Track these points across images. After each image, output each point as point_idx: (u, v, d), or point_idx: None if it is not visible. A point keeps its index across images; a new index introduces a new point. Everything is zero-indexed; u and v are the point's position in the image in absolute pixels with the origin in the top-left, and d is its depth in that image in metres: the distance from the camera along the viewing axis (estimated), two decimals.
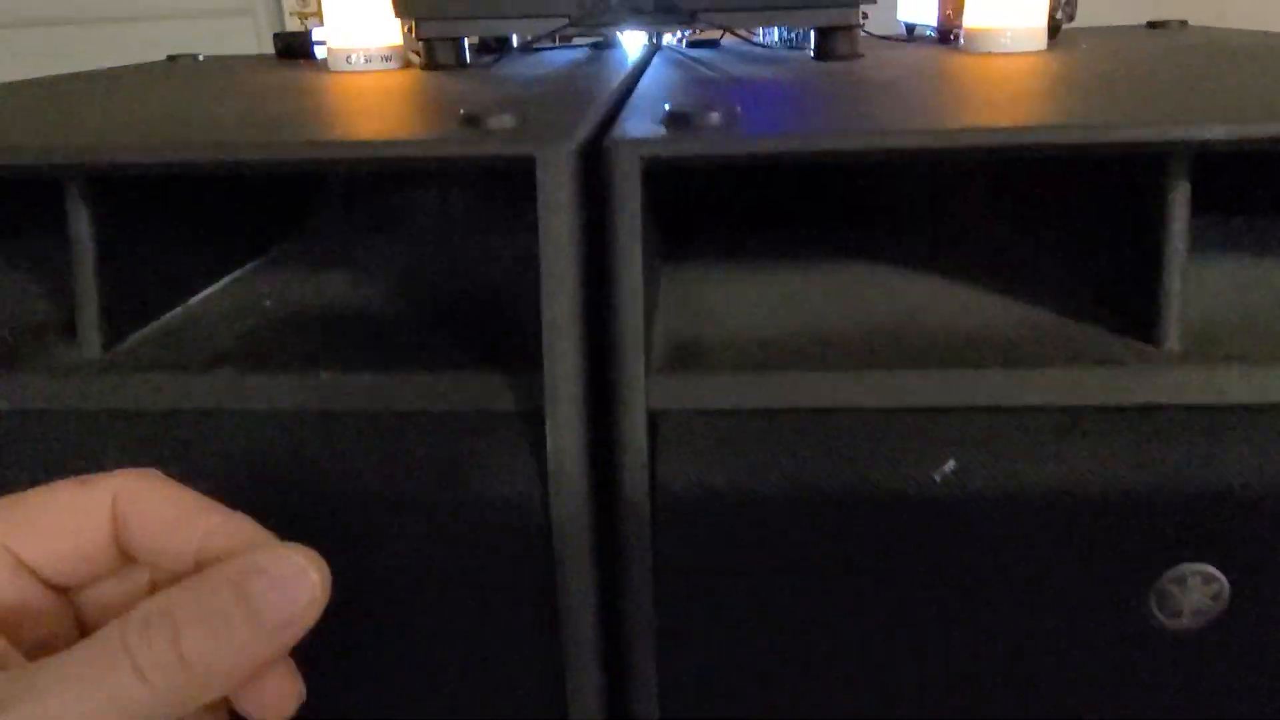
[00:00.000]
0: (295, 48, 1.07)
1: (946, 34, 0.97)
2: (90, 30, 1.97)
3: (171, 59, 1.13)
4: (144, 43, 2.01)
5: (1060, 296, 0.57)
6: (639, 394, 0.50)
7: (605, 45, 1.09)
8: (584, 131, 0.50)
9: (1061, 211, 0.60)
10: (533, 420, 0.51)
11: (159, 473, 0.31)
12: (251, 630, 0.25)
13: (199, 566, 0.27)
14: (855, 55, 0.85)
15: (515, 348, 0.54)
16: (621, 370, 0.50)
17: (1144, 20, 1.10)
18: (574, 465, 0.50)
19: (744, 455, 0.50)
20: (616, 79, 0.75)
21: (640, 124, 0.51)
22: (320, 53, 1.09)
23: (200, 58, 1.14)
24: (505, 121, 0.50)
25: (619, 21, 0.83)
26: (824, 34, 0.84)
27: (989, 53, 0.86)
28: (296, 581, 0.26)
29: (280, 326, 0.55)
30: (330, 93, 0.73)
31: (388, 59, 0.91)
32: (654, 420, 0.51)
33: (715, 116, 0.50)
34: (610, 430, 0.51)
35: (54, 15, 1.96)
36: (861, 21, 0.83)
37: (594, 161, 0.49)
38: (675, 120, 0.51)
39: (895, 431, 0.50)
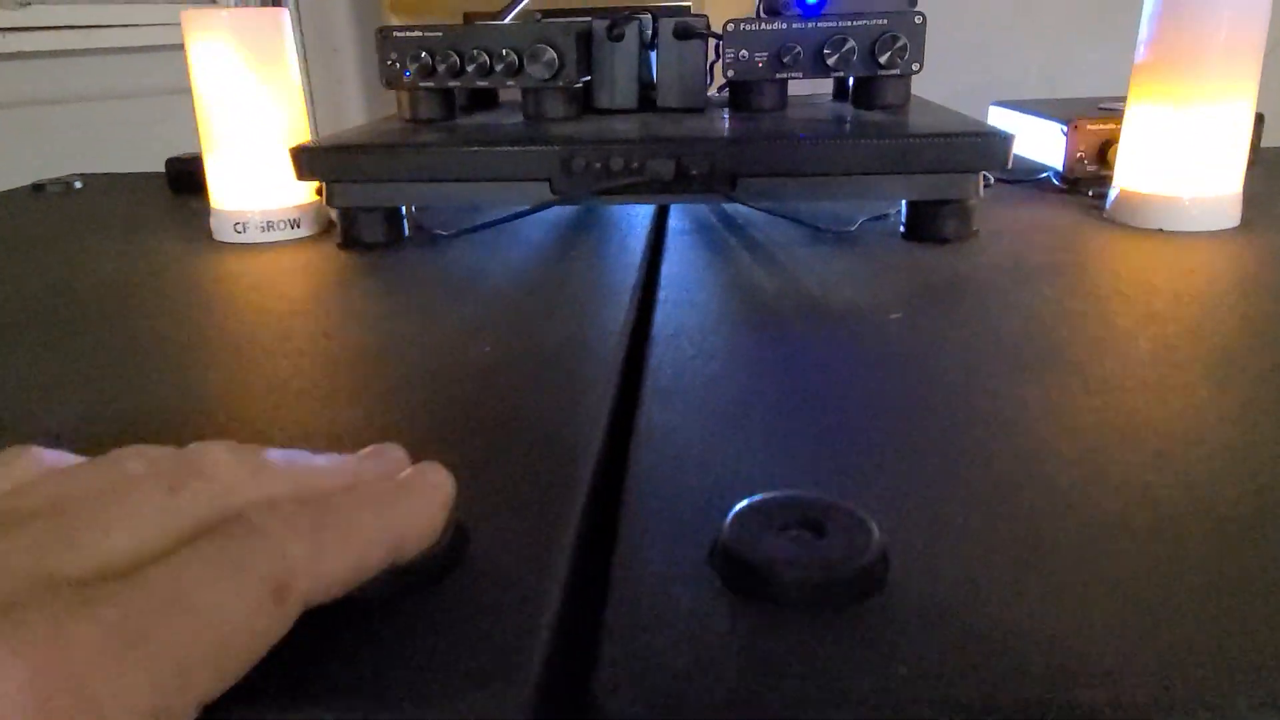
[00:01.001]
0: (187, 178, 0.81)
1: (1073, 183, 0.71)
2: (41, 111, 1.73)
3: (37, 188, 0.87)
4: (96, 120, 1.76)
5: None
6: None
7: None
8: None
9: None
10: None
11: None
12: None
13: None
14: (969, 235, 0.58)
15: None
16: None
17: None
18: None
19: None
20: (623, 298, 0.48)
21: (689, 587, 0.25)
22: None
23: (77, 184, 0.88)
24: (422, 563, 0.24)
25: (626, 191, 0.56)
26: (925, 203, 0.58)
27: (1160, 230, 0.59)
28: None
29: None
30: (170, 331, 0.46)
31: (295, 224, 0.64)
32: None
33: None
34: None
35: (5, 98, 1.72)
36: (982, 196, 0.57)
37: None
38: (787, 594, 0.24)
39: None
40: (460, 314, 0.47)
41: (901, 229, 0.60)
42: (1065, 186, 0.71)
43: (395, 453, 0.26)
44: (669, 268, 0.54)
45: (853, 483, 0.29)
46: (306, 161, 0.58)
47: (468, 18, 1.70)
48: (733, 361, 0.39)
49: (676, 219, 0.67)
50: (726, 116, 0.66)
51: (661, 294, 0.49)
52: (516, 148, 0.56)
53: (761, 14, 0.70)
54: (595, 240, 0.61)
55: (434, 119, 0.66)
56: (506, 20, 0.79)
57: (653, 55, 0.70)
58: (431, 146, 0.57)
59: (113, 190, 0.86)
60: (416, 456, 0.31)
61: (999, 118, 0.84)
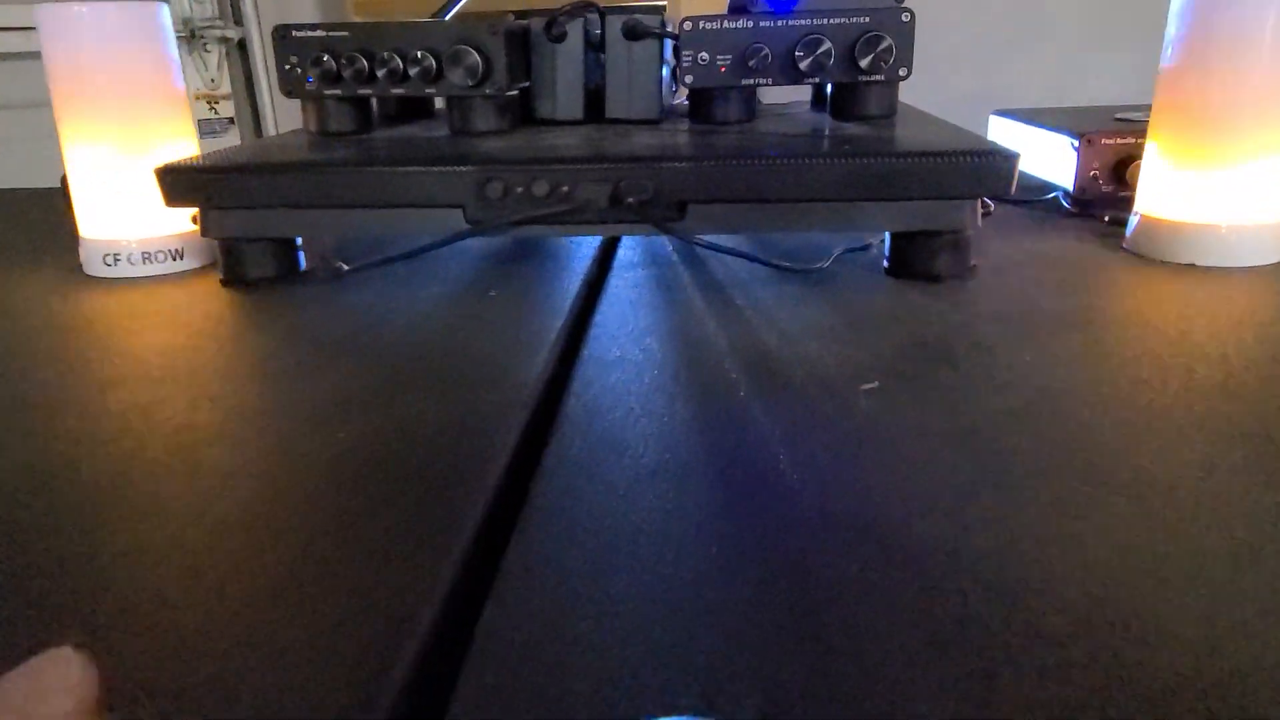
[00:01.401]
0: None
1: (1085, 205, 0.61)
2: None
3: None
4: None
5: None
6: None
7: None
8: None
9: None
10: None
11: None
12: None
13: None
14: (965, 272, 0.49)
15: None
16: None
17: None
18: None
19: None
20: (538, 357, 0.39)
21: None
22: None
23: None
24: None
25: (550, 222, 0.47)
26: (912, 235, 0.48)
27: (1192, 265, 0.50)
28: None
29: None
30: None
31: (177, 255, 0.55)
32: None
33: None
34: None
35: None
36: (978, 226, 0.47)
37: None
38: None
39: None
40: (336, 378, 0.38)
41: (885, 263, 0.50)
42: (1077, 209, 0.62)
43: (53, 678, 0.17)
44: (604, 312, 0.45)
45: (778, 687, 0.19)
46: (176, 184, 0.48)
47: None
48: (649, 465, 0.30)
49: (628, 250, 0.58)
50: (684, 129, 0.57)
51: (587, 349, 0.40)
52: (421, 169, 0.47)
53: (728, 11, 0.60)
54: (526, 276, 0.51)
55: (344, 132, 0.57)
56: (447, 17, 0.70)
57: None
58: (322, 167, 0.48)
59: (5, 209, 0.77)
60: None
61: (1000, 130, 0.74)
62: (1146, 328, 0.41)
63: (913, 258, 0.49)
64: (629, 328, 0.43)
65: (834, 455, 0.30)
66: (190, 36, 1.54)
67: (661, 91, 0.59)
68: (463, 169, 0.47)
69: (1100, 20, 1.18)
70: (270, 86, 1.62)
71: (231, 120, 1.63)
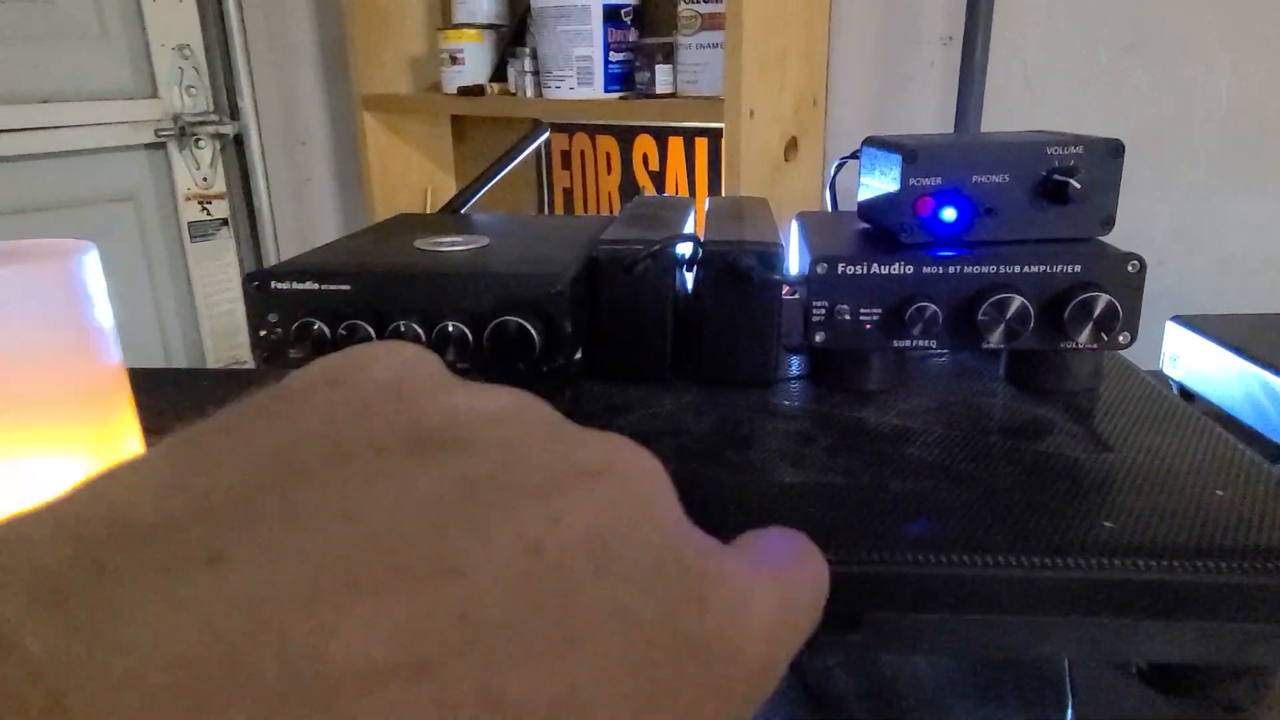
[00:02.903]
0: None
1: None
2: None
3: None
4: (32, 232, 1.52)
5: None
6: None
7: None
8: None
9: None
10: None
11: None
12: None
13: None
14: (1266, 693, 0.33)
15: None
16: None
17: None
18: None
19: None
20: None
21: None
22: None
23: None
24: None
25: None
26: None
27: None
28: None
29: None
30: None
31: None
32: None
33: None
34: None
35: None
36: None
37: None
38: None
39: None
40: None
41: (1136, 667, 0.34)
42: None
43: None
44: None
45: None
46: None
47: (455, 121, 1.45)
48: None
49: None
50: (811, 420, 0.41)
51: None
52: None
53: (861, 236, 0.45)
54: None
55: None
56: (464, 210, 0.55)
57: (690, 277, 0.46)
58: None
59: None
60: None
61: (1184, 347, 0.58)
62: None
63: (1194, 676, 0.32)
64: None
65: None
66: (180, 134, 1.39)
67: (776, 349, 0.43)
68: None
69: (1227, 165, 1.01)
70: (268, 185, 1.47)
71: (225, 222, 1.48)
